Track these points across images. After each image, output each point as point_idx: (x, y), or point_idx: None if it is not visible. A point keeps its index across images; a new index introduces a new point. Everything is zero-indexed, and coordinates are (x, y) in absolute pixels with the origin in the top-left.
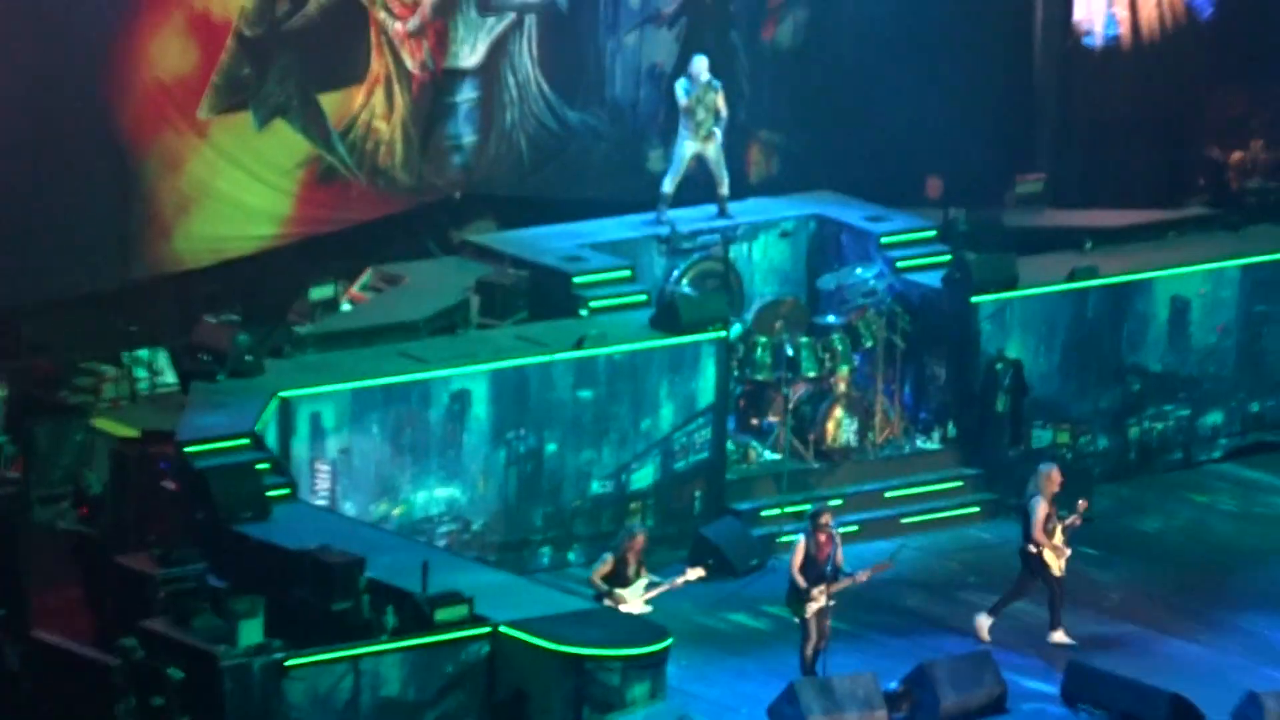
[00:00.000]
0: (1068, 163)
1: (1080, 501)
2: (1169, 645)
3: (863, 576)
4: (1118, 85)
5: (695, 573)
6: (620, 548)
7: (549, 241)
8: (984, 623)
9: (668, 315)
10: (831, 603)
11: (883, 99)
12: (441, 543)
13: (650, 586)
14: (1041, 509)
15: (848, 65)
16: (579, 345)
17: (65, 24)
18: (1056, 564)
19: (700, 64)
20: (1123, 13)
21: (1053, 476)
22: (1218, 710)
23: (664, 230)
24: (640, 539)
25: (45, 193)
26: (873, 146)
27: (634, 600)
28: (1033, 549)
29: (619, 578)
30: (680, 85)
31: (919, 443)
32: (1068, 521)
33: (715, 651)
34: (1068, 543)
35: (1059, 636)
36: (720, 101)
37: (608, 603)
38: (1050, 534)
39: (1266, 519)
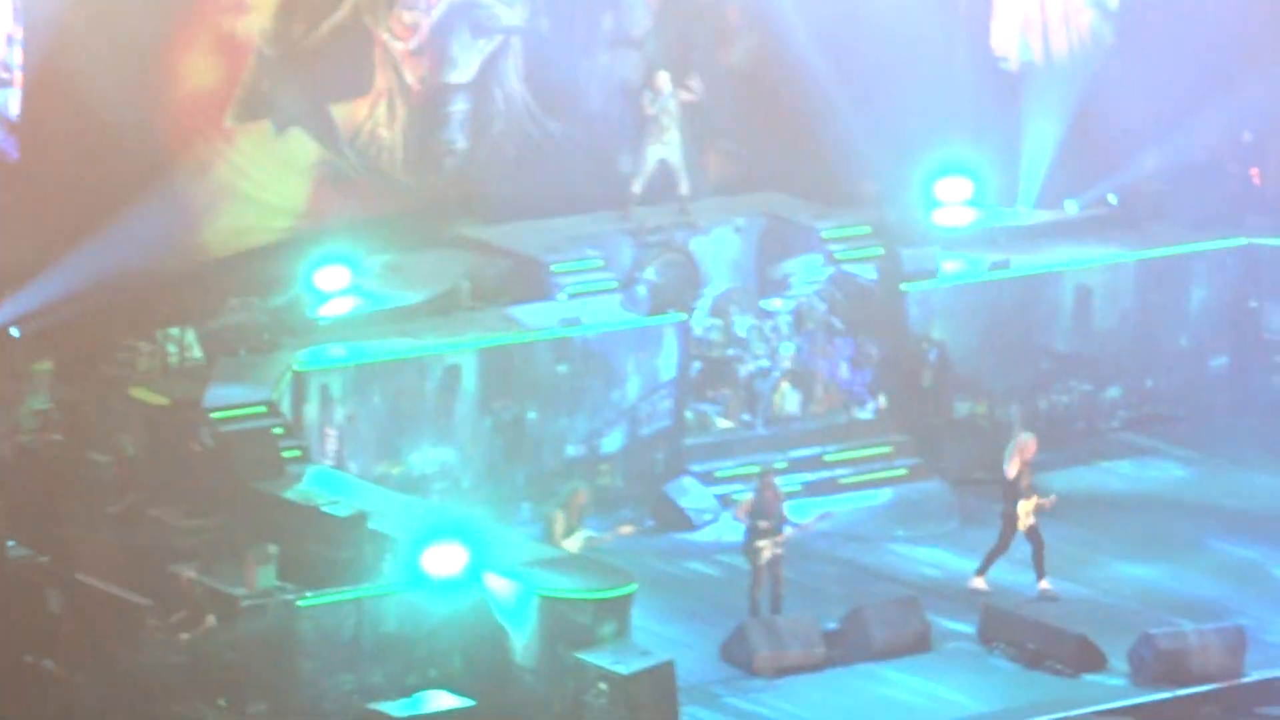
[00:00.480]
0: (987, 169)
1: (1051, 496)
2: (1073, 592)
3: (807, 526)
4: (1031, 101)
5: (626, 529)
6: (566, 502)
7: (531, 235)
8: (978, 582)
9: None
10: (779, 551)
11: (825, 112)
12: (435, 499)
13: (588, 540)
14: (1012, 469)
15: (795, 83)
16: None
17: (111, 43)
18: (1024, 520)
19: (663, 78)
20: (1036, 41)
21: (1029, 445)
22: (1116, 648)
23: (632, 225)
24: (582, 495)
25: (94, 193)
26: (816, 153)
27: (571, 548)
28: (1004, 508)
29: (563, 529)
30: (645, 97)
31: (855, 413)
32: (1037, 502)
33: (674, 595)
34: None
35: (1044, 586)
36: (674, 111)
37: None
38: (1026, 495)
39: (1159, 480)
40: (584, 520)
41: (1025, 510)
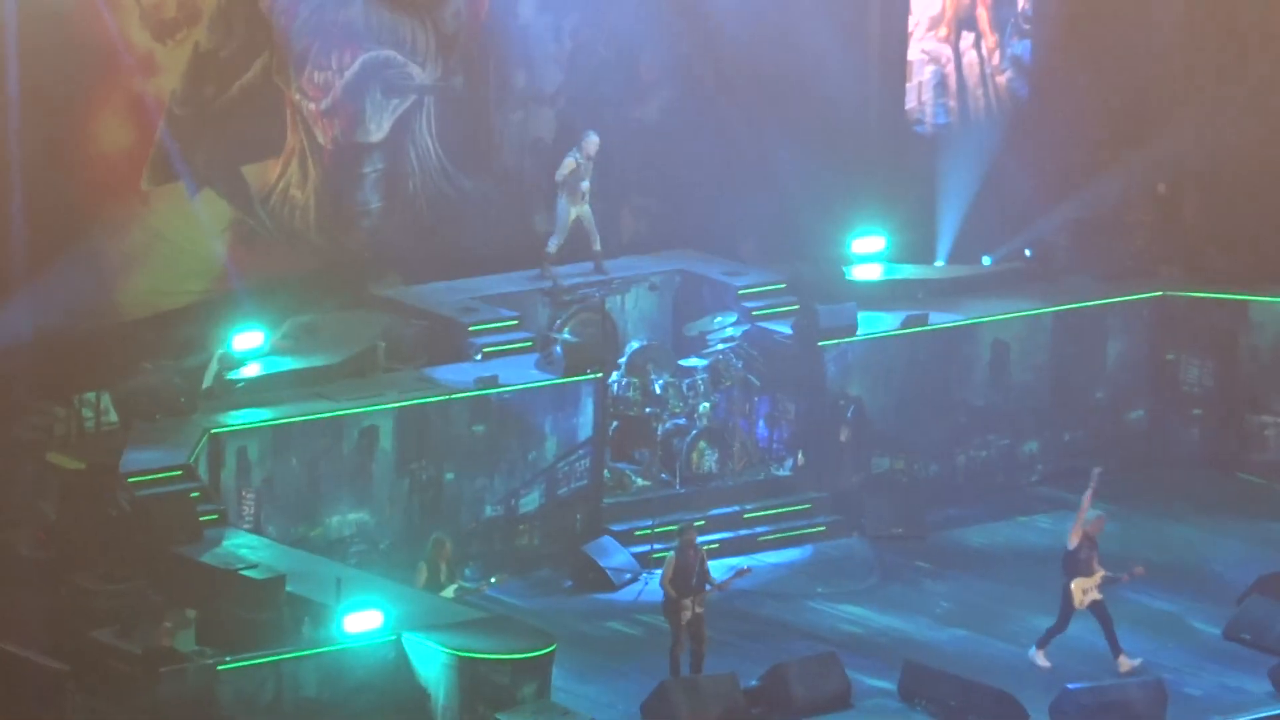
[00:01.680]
0: (902, 225)
1: (1137, 568)
2: (994, 647)
3: (726, 584)
4: (945, 158)
5: (500, 580)
6: (431, 555)
7: (446, 295)
8: (1038, 655)
9: None
10: (699, 610)
11: (739, 168)
12: (353, 561)
13: (459, 591)
14: (1073, 539)
15: (708, 138)
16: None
17: (25, 104)
18: (1079, 598)
19: (592, 142)
20: (951, 102)
21: (1097, 523)
22: (1038, 704)
23: (547, 284)
24: (448, 548)
25: (8, 255)
26: (731, 209)
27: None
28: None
29: (432, 583)
30: (572, 156)
31: (773, 470)
32: (1119, 576)
33: (594, 656)
34: (1103, 586)
35: (1124, 662)
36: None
37: None
38: (1089, 573)
39: None
40: (455, 571)
41: (1082, 588)
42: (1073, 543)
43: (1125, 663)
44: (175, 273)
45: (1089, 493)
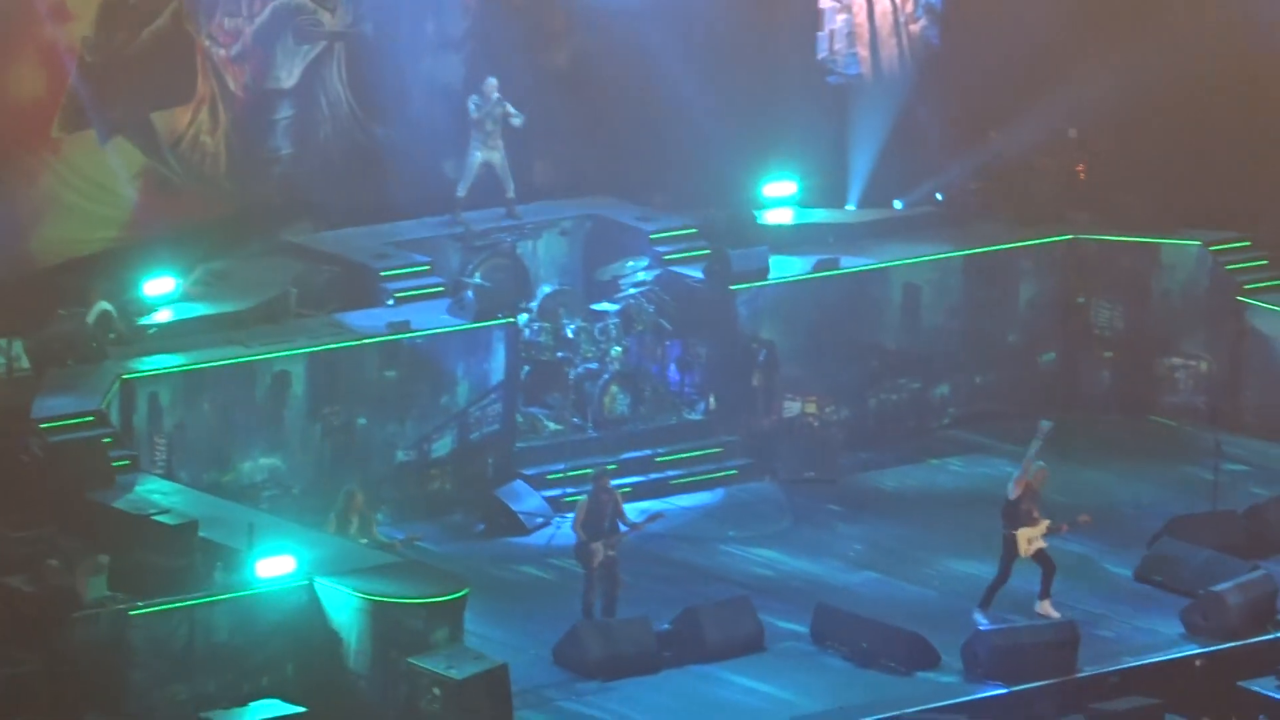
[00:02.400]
0: (813, 170)
1: (1083, 516)
2: (906, 590)
3: (639, 526)
4: (858, 106)
5: (414, 537)
6: (342, 507)
7: (358, 241)
8: (981, 614)
9: None
10: (612, 553)
11: (651, 114)
12: (265, 506)
13: (373, 546)
14: (1015, 489)
15: (620, 84)
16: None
17: None
18: (1024, 547)
19: (490, 84)
20: (864, 52)
21: (1041, 475)
22: (949, 646)
23: (459, 229)
24: (359, 499)
25: None
26: (643, 155)
27: None
28: (1005, 532)
29: (341, 533)
30: (471, 101)
31: (685, 414)
32: (1058, 524)
33: (506, 599)
34: (1048, 535)
35: (1046, 608)
36: (509, 110)
37: None
38: (1032, 523)
39: (989, 477)
40: (366, 524)
41: (1027, 537)
42: (1014, 493)
43: (1047, 608)
44: (87, 220)
45: (1037, 445)
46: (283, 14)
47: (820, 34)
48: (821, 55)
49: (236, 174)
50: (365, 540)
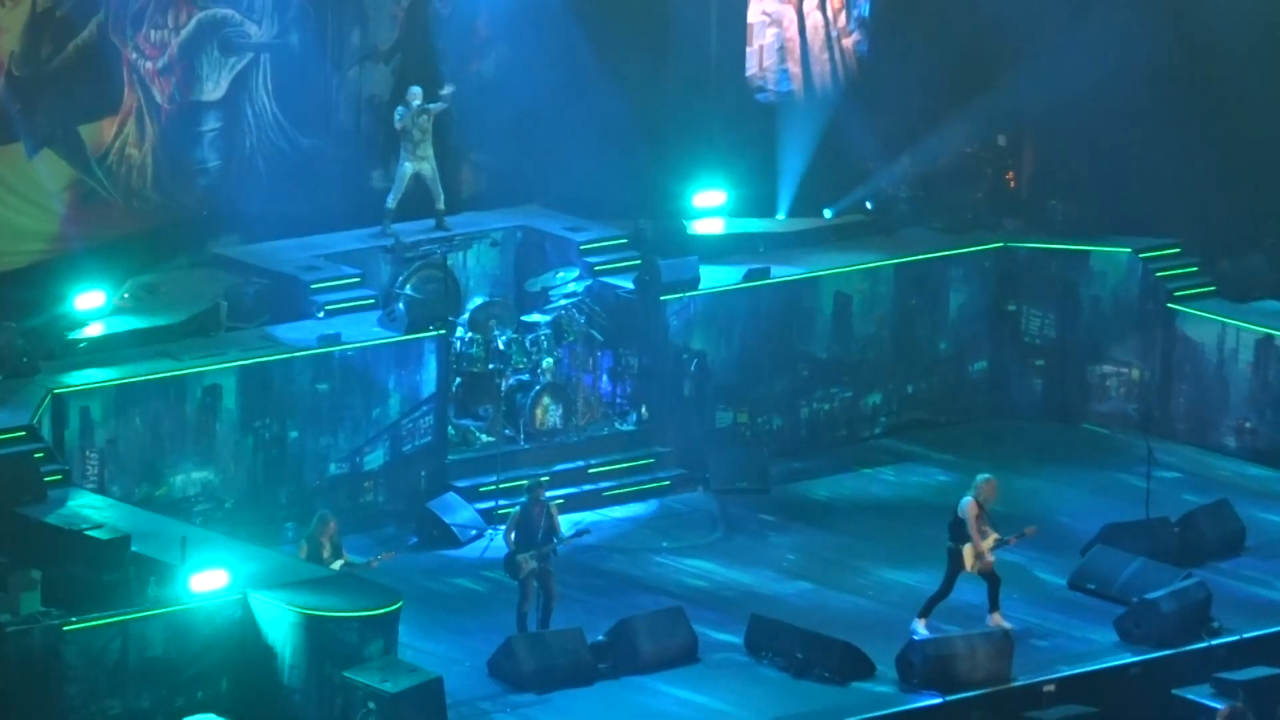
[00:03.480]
0: (743, 179)
1: (1029, 529)
2: (840, 600)
3: (568, 540)
4: (786, 116)
5: (386, 555)
6: (314, 533)
7: (288, 253)
8: (920, 624)
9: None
10: (544, 564)
11: (578, 123)
12: (198, 520)
13: (345, 569)
14: (972, 509)
15: (547, 93)
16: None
17: None
18: (971, 562)
19: (414, 93)
20: (795, 68)
21: (987, 487)
22: (884, 656)
23: (389, 241)
24: (332, 525)
25: None
26: (571, 164)
27: None
28: (949, 546)
29: (315, 560)
30: (396, 112)
31: (617, 424)
32: (1005, 537)
33: (440, 612)
34: (995, 549)
35: (997, 619)
36: (431, 110)
37: None
38: (982, 535)
39: (921, 486)
40: (337, 549)
41: (973, 553)
42: (966, 513)
43: (999, 621)
44: (13, 233)
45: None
46: (208, 26)
47: (750, 49)
48: (750, 71)
49: (163, 185)
50: (339, 564)
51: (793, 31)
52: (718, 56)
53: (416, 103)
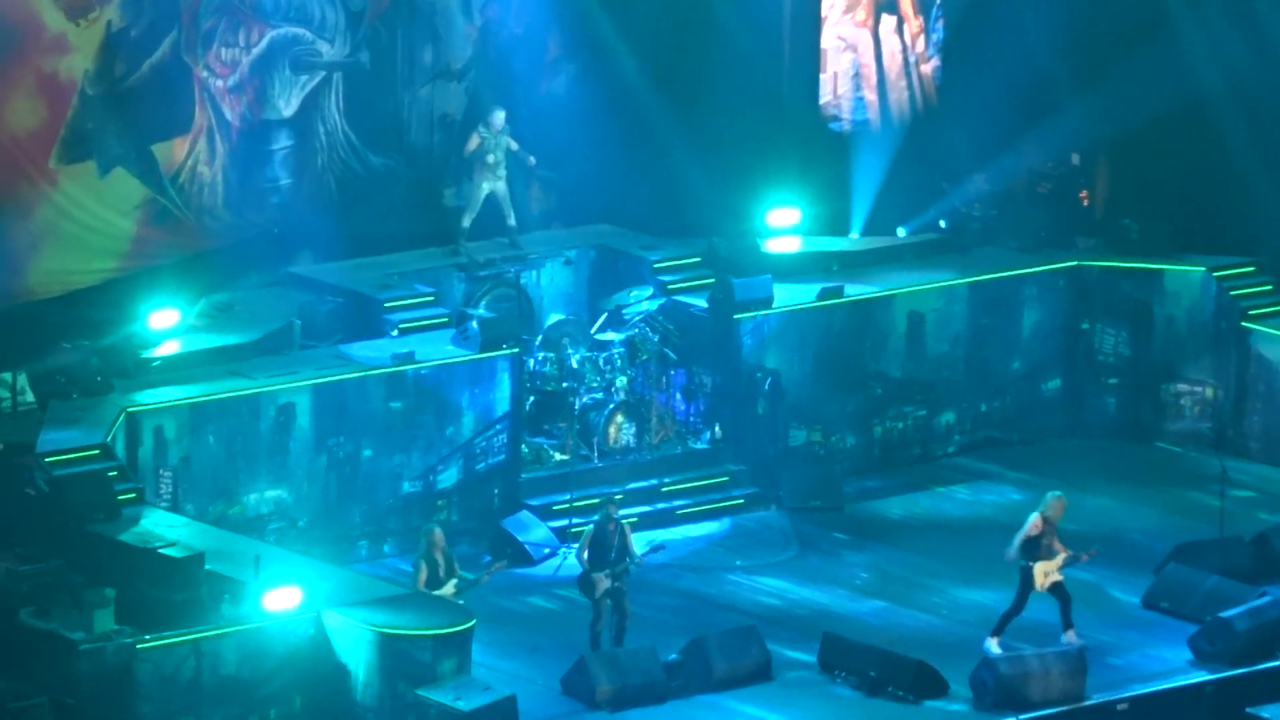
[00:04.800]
0: (817, 198)
1: (1093, 549)
2: (913, 618)
3: (641, 559)
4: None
5: (498, 565)
6: (425, 552)
7: (361, 271)
8: (993, 642)
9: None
10: (618, 583)
11: (650, 144)
12: (271, 538)
13: (461, 585)
14: (1033, 524)
15: (617, 111)
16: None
17: None
18: (1041, 580)
19: (498, 116)
20: (870, 96)
21: (1056, 504)
22: (957, 674)
23: (462, 260)
24: (438, 535)
25: None
26: (643, 182)
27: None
28: (1022, 564)
29: (434, 582)
30: (478, 131)
31: (690, 443)
32: (1075, 554)
33: (514, 630)
34: (1065, 567)
35: (1071, 636)
36: (512, 143)
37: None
38: (1049, 554)
39: (995, 505)
40: (449, 557)
41: (1044, 570)
42: (1032, 530)
43: (1073, 638)
44: (86, 252)
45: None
46: (280, 44)
47: (824, 76)
48: (825, 99)
49: (235, 204)
50: (453, 583)
51: (869, 58)
52: (790, 83)
53: (502, 126)
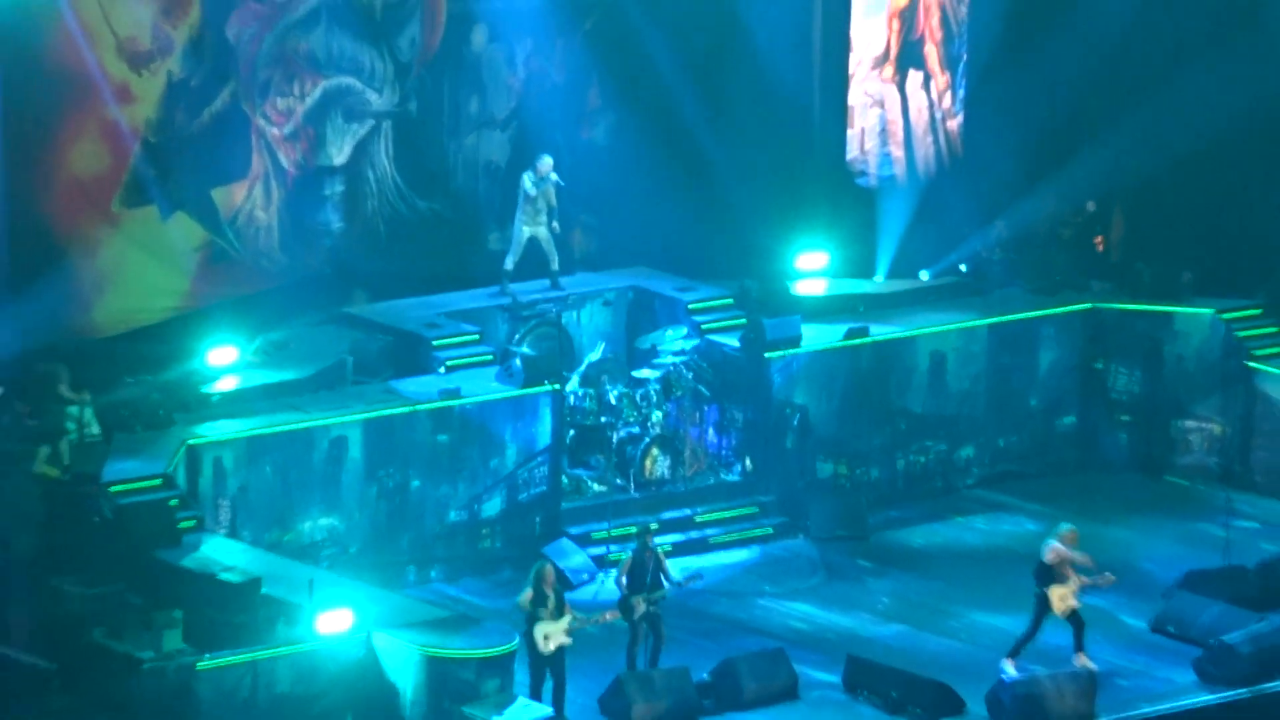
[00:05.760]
0: (843, 242)
1: (1107, 575)
2: (933, 642)
3: (684, 583)
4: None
5: (610, 614)
6: (535, 583)
7: (410, 311)
8: (1009, 664)
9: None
10: (654, 608)
11: (684, 187)
12: (324, 564)
13: (573, 624)
14: (1050, 554)
15: (653, 159)
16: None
17: (9, 129)
18: (1058, 605)
19: (546, 163)
20: (897, 152)
21: (1068, 535)
22: (974, 695)
23: (506, 300)
24: (549, 572)
25: None
26: (679, 228)
27: (557, 635)
28: (1037, 591)
29: (540, 604)
30: (527, 177)
31: (722, 475)
32: (1089, 580)
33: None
34: (1079, 593)
35: (1083, 660)
36: (553, 195)
37: (538, 635)
38: (1063, 580)
39: (1011, 535)
40: (559, 593)
41: (1060, 595)
42: (1049, 558)
43: (1085, 661)
44: (148, 291)
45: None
46: (333, 94)
47: (851, 132)
48: (851, 155)
49: (289, 246)
50: (569, 620)
51: (895, 114)
52: (819, 136)
53: (546, 173)
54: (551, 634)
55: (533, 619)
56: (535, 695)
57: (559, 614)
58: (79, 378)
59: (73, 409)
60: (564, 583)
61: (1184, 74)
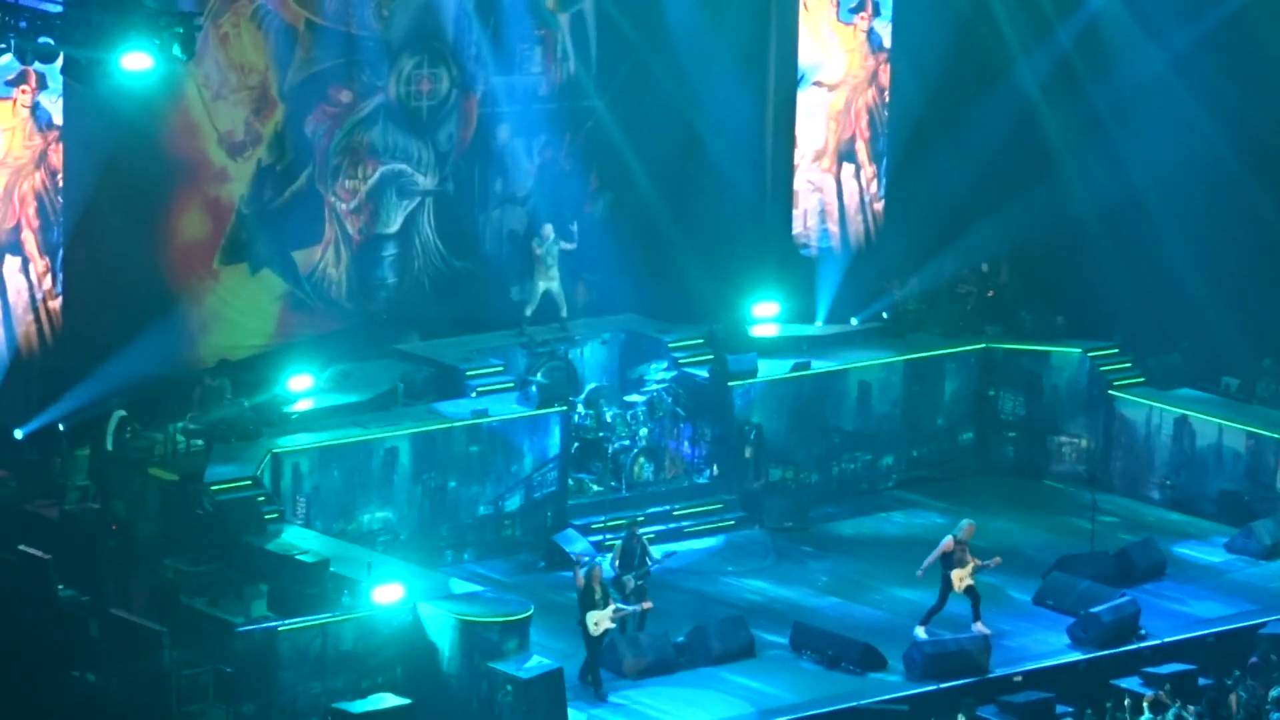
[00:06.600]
0: (790, 294)
1: (995, 559)
2: (861, 611)
3: (658, 562)
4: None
5: (646, 605)
6: (585, 575)
7: (449, 348)
8: (921, 630)
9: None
10: (640, 583)
11: (666, 252)
12: (380, 548)
13: (617, 613)
14: (945, 544)
15: (643, 229)
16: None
17: (131, 208)
18: (958, 584)
19: (547, 229)
20: (834, 228)
21: (968, 528)
22: (894, 654)
23: (524, 340)
24: (598, 570)
25: (119, 321)
26: (661, 283)
27: (604, 620)
28: (943, 572)
29: (589, 598)
30: (534, 241)
31: (694, 479)
32: (982, 563)
33: (562, 618)
34: (974, 573)
35: (979, 626)
36: (565, 244)
37: (590, 622)
38: (962, 564)
39: (923, 526)
40: (605, 587)
41: (959, 576)
42: (947, 546)
43: (981, 628)
44: (241, 331)
45: (968, 558)
46: (389, 177)
47: (796, 212)
48: (796, 231)
49: (354, 297)
50: (613, 608)
51: (832, 197)
52: (770, 215)
53: (551, 236)
54: (600, 620)
55: (585, 608)
56: (592, 666)
57: (604, 604)
58: (186, 401)
59: (179, 424)
60: (566, 562)
61: (1056, 165)
